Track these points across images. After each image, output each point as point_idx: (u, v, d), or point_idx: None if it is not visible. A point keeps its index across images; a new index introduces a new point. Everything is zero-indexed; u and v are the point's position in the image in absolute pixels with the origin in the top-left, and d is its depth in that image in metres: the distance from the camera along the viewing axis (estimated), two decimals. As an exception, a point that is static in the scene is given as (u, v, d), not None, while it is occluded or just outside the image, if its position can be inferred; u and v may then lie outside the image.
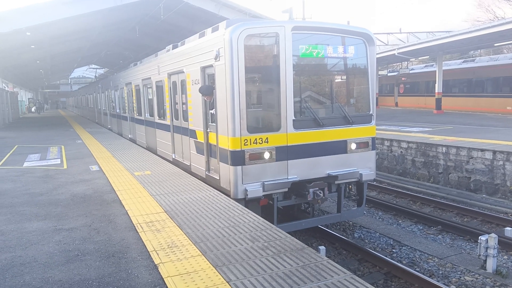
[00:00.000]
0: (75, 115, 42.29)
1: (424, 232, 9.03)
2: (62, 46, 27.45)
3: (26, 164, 10.52)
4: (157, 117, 11.80)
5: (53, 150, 12.93)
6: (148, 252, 4.43)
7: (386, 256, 7.54)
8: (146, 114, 13.24)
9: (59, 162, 10.70)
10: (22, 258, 4.38)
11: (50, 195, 7.16)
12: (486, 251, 6.90)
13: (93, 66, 47.73)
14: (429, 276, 6.80)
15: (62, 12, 16.60)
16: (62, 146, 13.82)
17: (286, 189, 7.32)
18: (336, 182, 7.88)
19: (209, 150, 8.18)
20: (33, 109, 49.54)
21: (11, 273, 4.03)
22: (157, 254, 4.36)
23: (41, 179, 8.57)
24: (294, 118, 7.21)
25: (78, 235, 5.05)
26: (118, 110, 18.78)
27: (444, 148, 12.65)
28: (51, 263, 4.23)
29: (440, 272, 7.05)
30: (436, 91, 26.14)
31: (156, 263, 4.13)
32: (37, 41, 21.66)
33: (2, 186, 8.07)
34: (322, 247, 7.36)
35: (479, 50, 35.48)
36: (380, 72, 35.89)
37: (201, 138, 8.38)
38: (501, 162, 11.07)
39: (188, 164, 9.29)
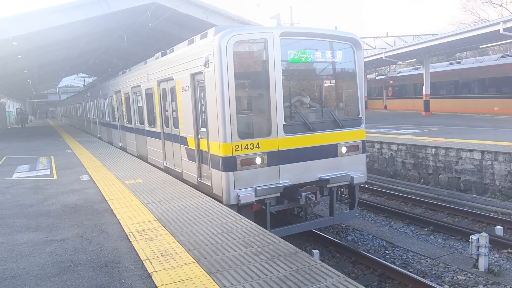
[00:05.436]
0: (64, 124, 41.89)
1: (416, 233, 9.10)
2: (49, 55, 27.25)
3: (15, 176, 10.39)
4: (148, 125, 11.76)
5: (42, 161, 12.79)
6: (141, 261, 4.41)
7: (380, 258, 7.58)
8: (136, 122, 13.18)
9: (49, 172, 10.59)
10: (14, 271, 4.33)
11: (40, 206, 7.08)
12: (478, 250, 6.97)
13: (82, 74, 47.41)
14: (423, 277, 6.85)
15: (49, 21, 16.49)
16: (52, 156, 13.68)
17: (279, 194, 7.35)
18: (328, 185, 7.93)
19: (200, 157, 8.17)
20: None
21: (2, 286, 3.98)
22: (151, 262, 4.34)
23: (31, 190, 8.48)
24: (284, 123, 7.25)
25: (70, 246, 5.00)
26: (107, 119, 18.66)
27: (433, 149, 12.79)
28: (43, 275, 4.18)
29: (433, 272, 7.10)
30: (424, 93, 26.48)
31: (149, 272, 4.10)
32: (24, 51, 21.48)
33: (-9, 198, 7.96)
34: (315, 251, 7.39)
35: (465, 52, 36.04)
36: (368, 76, 36.27)
37: (192, 145, 8.37)
38: (489, 162, 11.22)
39: (180, 171, 9.27)
